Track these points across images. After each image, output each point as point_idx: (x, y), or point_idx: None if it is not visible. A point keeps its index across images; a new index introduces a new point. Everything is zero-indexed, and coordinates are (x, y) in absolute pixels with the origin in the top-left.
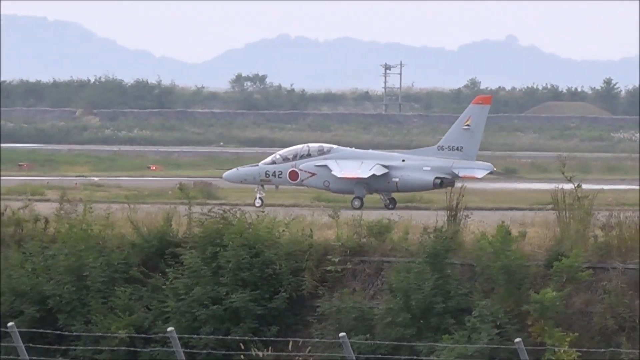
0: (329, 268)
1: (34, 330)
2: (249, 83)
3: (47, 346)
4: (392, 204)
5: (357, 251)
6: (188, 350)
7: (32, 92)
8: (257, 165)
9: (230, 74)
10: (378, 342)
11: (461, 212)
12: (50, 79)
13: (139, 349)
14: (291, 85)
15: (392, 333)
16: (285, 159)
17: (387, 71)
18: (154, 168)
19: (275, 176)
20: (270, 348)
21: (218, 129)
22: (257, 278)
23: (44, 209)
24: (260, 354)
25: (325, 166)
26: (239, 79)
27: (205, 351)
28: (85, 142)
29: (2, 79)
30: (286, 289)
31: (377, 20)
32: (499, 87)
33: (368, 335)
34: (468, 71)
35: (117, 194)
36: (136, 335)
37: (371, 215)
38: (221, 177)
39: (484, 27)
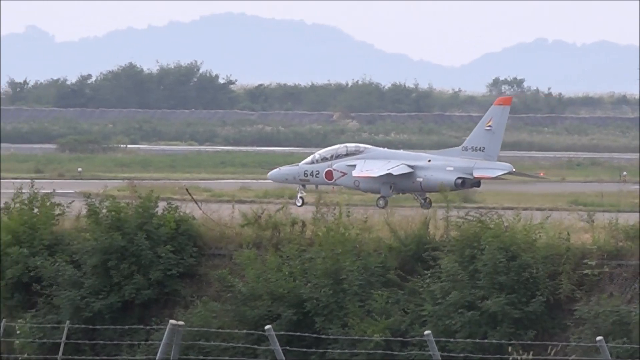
0: (586, 272)
1: (292, 333)
2: (506, 87)
3: (304, 349)
4: (427, 204)
5: (614, 255)
6: (445, 354)
7: (290, 95)
8: (297, 165)
9: (487, 77)
10: (636, 346)
11: None
12: (308, 83)
13: (395, 352)
14: (548, 89)
15: None
16: (323, 159)
17: None
18: None
19: (313, 176)
20: (530, 352)
21: None
22: (513, 281)
23: (300, 212)
24: (519, 358)
25: (355, 166)
26: (496, 83)
27: (462, 355)
28: None
29: (261, 82)
30: (543, 292)
31: (635, 23)
32: None
33: (626, 339)
34: None
35: (374, 197)
36: (392, 338)
37: (630, 219)
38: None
39: None
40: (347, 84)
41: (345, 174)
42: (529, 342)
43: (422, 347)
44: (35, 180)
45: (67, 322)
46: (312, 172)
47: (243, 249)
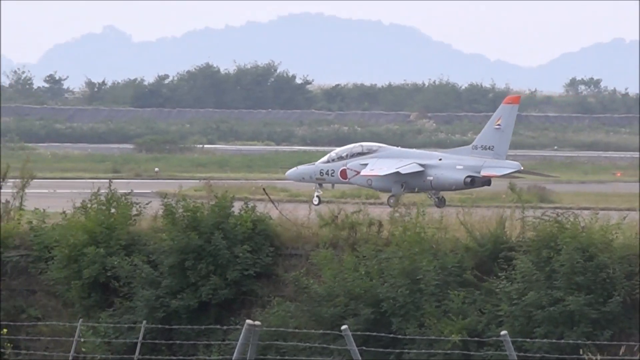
0: None
1: (368, 333)
2: (583, 87)
3: (381, 349)
4: (441, 203)
5: None
6: (521, 354)
7: (367, 95)
8: (314, 164)
9: (564, 77)
10: None
11: None
12: (385, 83)
13: (472, 352)
14: (626, 89)
15: None
16: (339, 158)
17: None
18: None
19: (328, 175)
20: (605, 353)
21: (552, 132)
22: (590, 282)
23: (377, 212)
24: (594, 358)
25: (367, 164)
26: (573, 83)
27: (538, 355)
28: (419, 146)
29: (338, 82)
30: (620, 292)
31: None
32: None
33: None
34: None
35: (451, 197)
36: (469, 339)
37: None
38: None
39: None
40: (424, 84)
41: (358, 172)
42: (605, 342)
43: (499, 348)
44: (113, 180)
45: (144, 321)
46: (328, 171)
47: (320, 249)
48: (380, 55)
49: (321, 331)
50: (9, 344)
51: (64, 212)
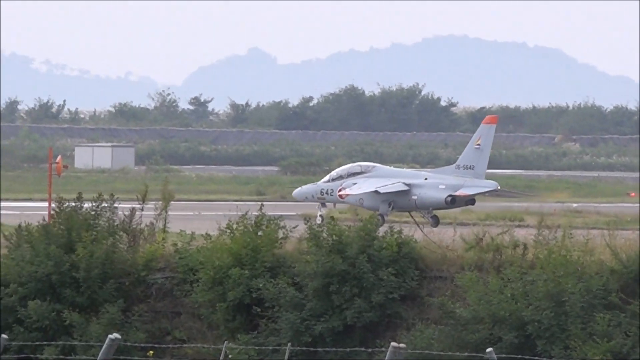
0: None
1: (513, 356)
2: None
3: None
4: (435, 222)
5: None
6: None
7: (511, 118)
8: (316, 184)
9: None
10: None
11: None
12: (529, 105)
13: None
14: None
15: None
16: (339, 177)
17: None
18: (633, 195)
19: (328, 194)
20: None
21: None
22: None
23: (522, 234)
24: None
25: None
26: None
27: None
28: (564, 168)
29: (483, 104)
30: None
31: None
32: None
33: None
34: None
35: (596, 220)
36: None
37: None
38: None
39: None
40: (568, 106)
41: (362, 193)
42: None
43: None
44: (259, 203)
45: (289, 344)
46: (327, 190)
47: (465, 272)
48: (525, 77)
49: (466, 354)
50: None
51: (208, 234)
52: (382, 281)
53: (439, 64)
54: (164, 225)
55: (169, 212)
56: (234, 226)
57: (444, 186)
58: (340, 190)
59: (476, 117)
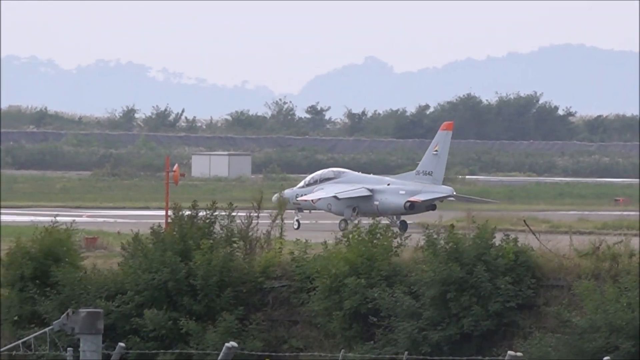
0: None
1: None
2: None
3: None
4: (403, 227)
5: None
6: None
7: (629, 126)
8: (293, 189)
9: None
10: None
11: None
12: None
13: None
14: None
15: None
16: (313, 182)
17: None
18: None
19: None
20: None
21: None
22: None
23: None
24: None
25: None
26: None
27: None
28: None
29: (600, 113)
30: None
31: None
32: None
33: None
34: None
35: None
36: None
37: None
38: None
39: None
40: None
41: (320, 198)
42: None
43: None
44: None
45: (406, 353)
46: (301, 195)
47: (581, 280)
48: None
49: None
50: None
51: (325, 243)
52: (499, 289)
53: (555, 73)
54: (281, 233)
55: (285, 221)
56: (350, 235)
57: (404, 192)
58: (298, 196)
59: (593, 125)
